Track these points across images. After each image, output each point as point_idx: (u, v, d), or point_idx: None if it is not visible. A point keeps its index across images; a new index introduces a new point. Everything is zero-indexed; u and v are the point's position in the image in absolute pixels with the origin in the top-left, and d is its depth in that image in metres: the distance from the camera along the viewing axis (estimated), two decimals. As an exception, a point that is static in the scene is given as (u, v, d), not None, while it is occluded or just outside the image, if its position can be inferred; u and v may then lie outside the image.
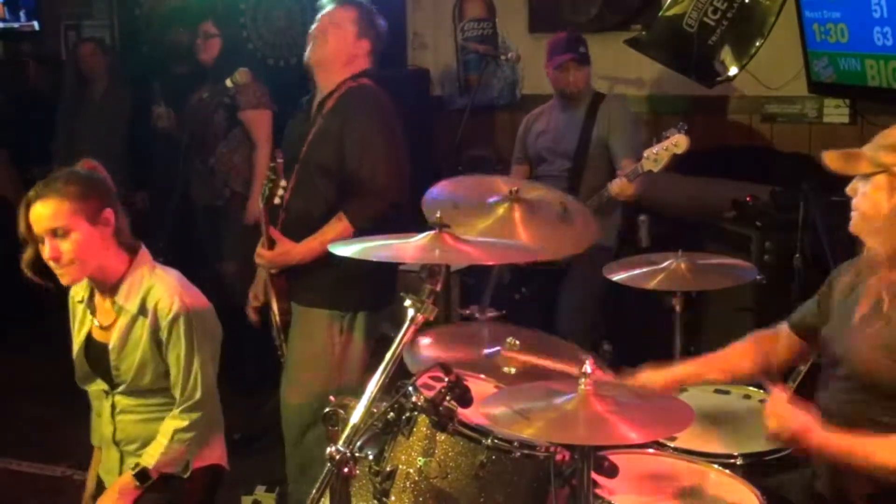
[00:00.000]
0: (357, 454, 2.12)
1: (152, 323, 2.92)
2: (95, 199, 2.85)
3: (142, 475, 2.95)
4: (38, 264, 2.85)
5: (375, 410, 2.23)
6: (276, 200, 3.60)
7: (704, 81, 4.95)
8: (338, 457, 2.07)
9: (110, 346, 2.97)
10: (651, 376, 2.79)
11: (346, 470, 2.07)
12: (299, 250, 3.64)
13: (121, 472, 3.08)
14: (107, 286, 2.95)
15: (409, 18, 6.61)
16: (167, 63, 5.94)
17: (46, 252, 2.79)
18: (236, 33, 6.85)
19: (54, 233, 2.77)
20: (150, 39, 6.62)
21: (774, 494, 2.45)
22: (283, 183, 3.56)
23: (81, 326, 3.08)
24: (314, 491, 2.15)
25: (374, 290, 3.69)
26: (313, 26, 3.74)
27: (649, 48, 5.06)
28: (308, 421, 3.70)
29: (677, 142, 3.71)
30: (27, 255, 2.86)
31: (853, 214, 2.47)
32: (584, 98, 4.73)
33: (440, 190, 3.29)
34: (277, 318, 3.84)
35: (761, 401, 3.07)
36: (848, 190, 2.48)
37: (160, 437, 2.96)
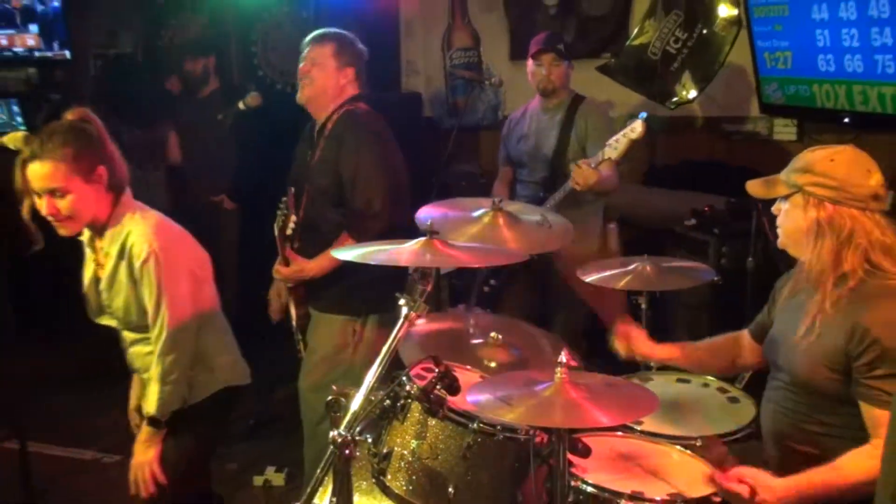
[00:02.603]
0: (357, 438, 2.12)
1: (129, 265, 2.83)
2: (89, 157, 2.74)
3: (153, 422, 2.89)
4: (37, 213, 2.77)
5: (373, 398, 2.24)
6: (289, 231, 3.57)
7: (667, 103, 4.96)
8: (340, 440, 2.07)
9: (101, 287, 2.91)
10: (646, 345, 2.90)
11: (347, 452, 2.08)
12: (311, 266, 3.63)
13: (143, 396, 3.03)
14: (96, 229, 2.87)
15: (403, 47, 6.62)
16: (187, 88, 5.93)
17: (44, 208, 2.72)
18: (248, 61, 6.87)
19: (52, 193, 2.70)
20: (169, 68, 6.60)
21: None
22: (293, 217, 3.53)
23: (88, 264, 3.00)
24: (318, 471, 2.16)
25: (383, 295, 3.60)
26: (299, 66, 3.67)
27: (618, 74, 5.06)
28: (325, 413, 3.68)
29: (634, 127, 3.54)
30: (26, 205, 2.76)
31: (778, 232, 2.50)
32: (563, 99, 4.46)
33: (428, 212, 3.22)
34: (295, 322, 3.84)
35: (718, 389, 3.09)
36: (773, 210, 2.50)
37: (152, 383, 2.87)
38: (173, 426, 2.93)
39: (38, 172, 2.69)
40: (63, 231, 2.81)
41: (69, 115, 2.79)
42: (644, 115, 3.55)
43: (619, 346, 2.97)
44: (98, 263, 2.95)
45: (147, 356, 2.96)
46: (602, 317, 2.95)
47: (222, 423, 3.14)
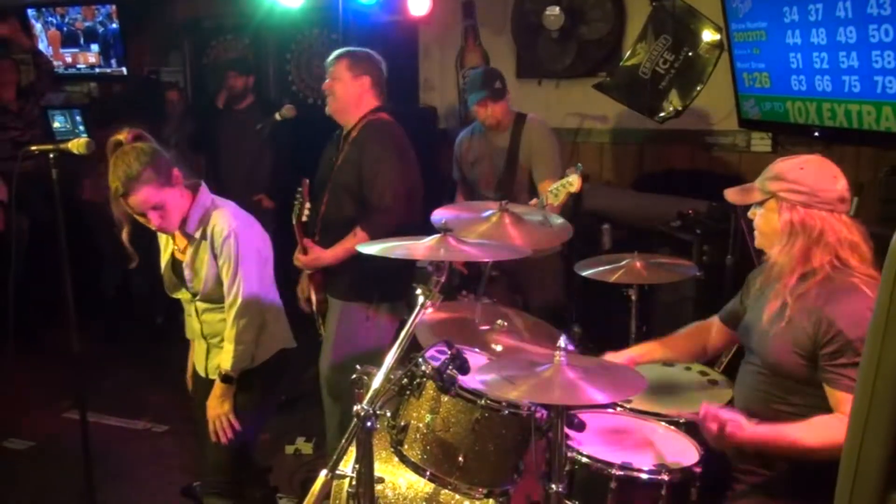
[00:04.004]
0: (378, 412, 2.13)
1: (211, 243, 2.94)
2: (164, 167, 2.84)
3: (226, 378, 2.98)
4: (133, 237, 2.92)
5: (393, 377, 2.24)
6: (304, 218, 3.63)
7: (655, 117, 4.95)
8: (362, 414, 2.08)
9: (184, 264, 3.01)
10: (612, 357, 2.80)
11: (369, 424, 2.08)
12: (327, 256, 3.64)
13: (207, 359, 3.14)
14: (182, 220, 2.96)
15: (421, 66, 6.61)
16: (228, 101, 5.95)
17: (153, 222, 2.85)
18: (284, 78, 6.88)
19: (155, 208, 2.83)
20: (214, 82, 6.63)
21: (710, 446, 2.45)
22: (307, 205, 3.59)
23: (166, 249, 3.12)
24: (343, 441, 2.16)
25: (394, 285, 3.66)
26: (325, 83, 3.71)
27: (612, 91, 5.05)
28: (343, 389, 3.70)
29: (572, 181, 3.39)
30: (126, 232, 2.90)
31: (755, 234, 2.48)
32: (506, 125, 4.33)
33: (442, 213, 3.22)
34: (315, 306, 3.86)
35: (700, 372, 3.08)
36: (749, 214, 2.49)
37: (226, 343, 2.97)
38: (242, 383, 3.02)
39: (137, 200, 2.80)
40: (167, 232, 2.98)
41: (123, 137, 2.85)
42: (580, 167, 3.43)
43: None
44: (178, 248, 3.05)
45: (218, 323, 3.05)
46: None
47: (280, 380, 3.22)
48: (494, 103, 4.27)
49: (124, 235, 2.91)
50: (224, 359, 2.99)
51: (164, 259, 3.13)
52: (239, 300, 2.94)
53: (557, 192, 3.47)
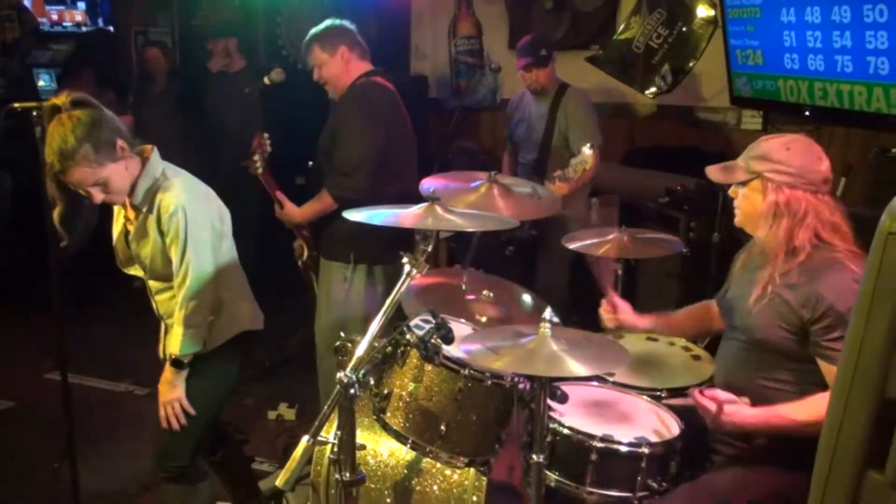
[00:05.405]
0: (361, 379, 2.12)
1: (157, 219, 2.73)
2: (105, 139, 2.61)
3: (176, 363, 2.80)
4: (65, 218, 2.75)
5: (377, 345, 2.23)
6: (259, 170, 3.75)
7: (647, 92, 4.93)
8: (345, 381, 2.07)
9: (130, 237, 2.84)
10: (630, 317, 2.89)
11: (351, 391, 2.08)
12: (296, 213, 3.78)
13: (165, 338, 2.95)
14: (131, 189, 2.76)
15: (413, 34, 6.56)
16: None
17: (95, 197, 2.66)
18: (273, 41, 6.81)
19: (95, 185, 2.64)
20: (203, 44, 6.55)
21: (690, 418, 2.47)
22: (255, 157, 3.74)
23: (118, 219, 2.92)
24: (326, 408, 2.16)
25: (369, 249, 3.66)
26: (314, 76, 3.77)
27: (604, 64, 5.03)
28: (324, 350, 3.73)
29: (585, 158, 3.56)
30: (57, 211, 2.72)
31: (737, 213, 2.47)
32: (550, 91, 4.54)
33: (431, 182, 3.17)
34: (300, 262, 3.97)
35: (683, 347, 3.09)
36: (730, 192, 2.48)
37: (175, 326, 2.77)
38: (196, 367, 2.85)
39: (75, 179, 2.61)
40: (115, 203, 2.81)
41: (61, 101, 2.60)
42: (594, 146, 3.61)
43: (605, 316, 2.96)
44: (128, 219, 2.87)
45: (170, 301, 2.87)
46: (599, 282, 2.98)
47: (240, 365, 3.04)
48: (538, 69, 4.46)
49: (55, 215, 2.71)
50: (173, 342, 2.79)
51: (117, 230, 2.92)
52: (188, 281, 2.73)
53: (576, 167, 3.61)
